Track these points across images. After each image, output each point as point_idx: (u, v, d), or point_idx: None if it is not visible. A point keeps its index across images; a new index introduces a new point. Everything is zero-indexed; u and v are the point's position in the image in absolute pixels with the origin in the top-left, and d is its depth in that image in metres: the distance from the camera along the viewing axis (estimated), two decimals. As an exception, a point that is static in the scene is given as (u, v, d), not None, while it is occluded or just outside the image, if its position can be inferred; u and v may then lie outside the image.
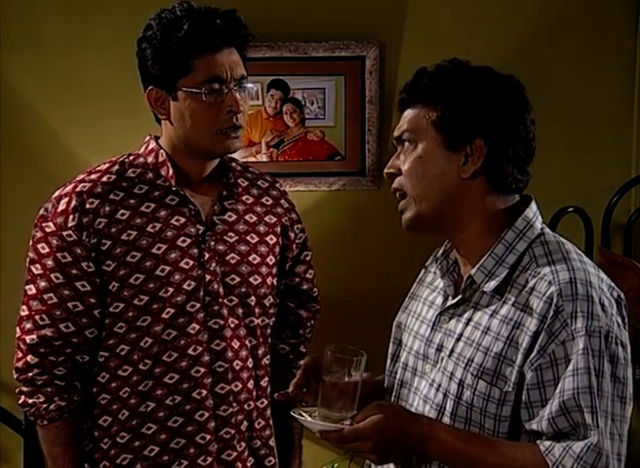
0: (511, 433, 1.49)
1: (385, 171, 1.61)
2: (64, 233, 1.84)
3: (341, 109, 2.72)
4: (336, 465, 2.66)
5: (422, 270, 1.76)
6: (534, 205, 1.59)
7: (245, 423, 1.95)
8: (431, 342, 1.60)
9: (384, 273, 2.74)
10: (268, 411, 2.02)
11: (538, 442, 1.46)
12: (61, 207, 1.85)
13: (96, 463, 1.92)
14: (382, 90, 2.70)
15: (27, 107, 2.68)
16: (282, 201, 2.04)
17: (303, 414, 1.58)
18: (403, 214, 1.59)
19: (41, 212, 1.89)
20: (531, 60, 2.71)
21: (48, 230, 1.86)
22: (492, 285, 1.52)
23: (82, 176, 1.90)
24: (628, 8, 2.75)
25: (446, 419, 1.53)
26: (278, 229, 2.00)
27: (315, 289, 2.13)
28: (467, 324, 1.54)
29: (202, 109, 1.83)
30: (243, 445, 1.96)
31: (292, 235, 2.04)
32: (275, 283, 2.00)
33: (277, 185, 2.07)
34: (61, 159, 2.66)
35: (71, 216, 1.84)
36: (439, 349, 1.58)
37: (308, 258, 2.10)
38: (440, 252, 1.67)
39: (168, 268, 1.86)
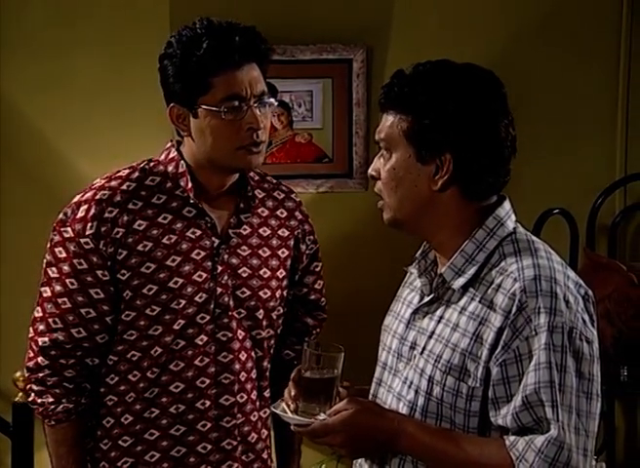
0: (481, 428, 1.51)
1: (369, 171, 1.63)
2: (82, 240, 1.84)
3: (329, 112, 2.74)
4: (323, 466, 2.68)
5: (407, 273, 1.77)
6: (506, 204, 1.59)
7: (253, 435, 1.96)
8: (405, 340, 1.61)
9: (372, 274, 2.75)
10: (269, 420, 2.04)
11: (504, 437, 1.47)
12: (81, 213, 1.85)
13: (96, 462, 1.94)
14: (370, 92, 2.72)
15: (14, 108, 2.69)
16: (296, 213, 2.04)
17: (286, 409, 1.61)
18: (382, 212, 1.62)
19: (60, 216, 1.89)
20: (516, 63, 2.73)
21: (66, 235, 1.86)
22: (460, 282, 1.54)
23: (102, 183, 1.89)
24: (612, 12, 2.78)
25: (417, 415, 1.54)
26: (291, 243, 2.01)
27: (323, 299, 2.13)
28: (439, 321, 1.56)
29: (222, 127, 1.82)
30: (252, 456, 1.97)
31: (303, 247, 2.04)
32: (285, 294, 2.01)
33: (293, 196, 2.06)
34: (49, 159, 2.67)
35: (89, 224, 1.84)
36: (412, 347, 1.59)
37: (318, 269, 2.10)
38: (419, 252, 1.69)
39: (181, 280, 1.86)
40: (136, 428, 1.90)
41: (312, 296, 2.10)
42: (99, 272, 1.85)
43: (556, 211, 2.69)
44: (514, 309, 1.46)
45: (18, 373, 2.49)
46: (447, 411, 1.52)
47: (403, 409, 1.57)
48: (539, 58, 2.78)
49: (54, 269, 1.87)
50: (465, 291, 1.54)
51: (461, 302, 1.54)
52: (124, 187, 1.87)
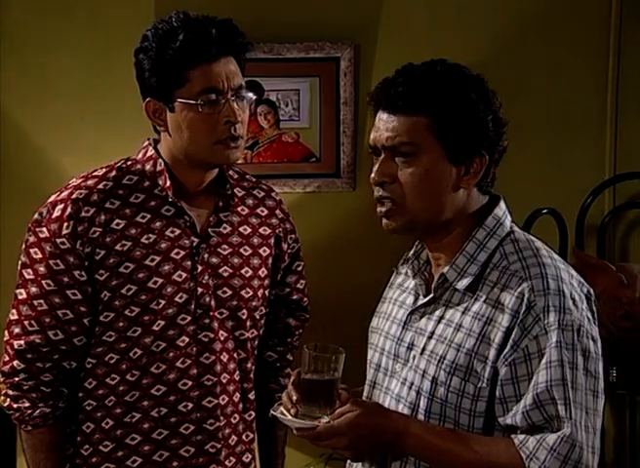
0: (486, 428, 1.50)
1: (377, 178, 1.56)
2: (58, 240, 1.81)
3: (316, 111, 2.72)
4: (311, 468, 2.66)
5: (393, 273, 1.76)
6: (502, 204, 1.60)
7: (233, 437, 1.93)
8: (402, 341, 1.60)
9: (360, 274, 2.73)
10: (254, 424, 2.01)
11: (512, 436, 1.46)
12: (56, 213, 1.82)
13: None
14: (357, 91, 2.70)
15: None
16: (277, 211, 2.01)
17: (284, 413, 1.58)
18: (387, 218, 1.57)
19: (35, 216, 1.85)
20: (505, 62, 2.73)
21: (42, 236, 1.82)
22: (464, 282, 1.53)
23: (78, 182, 1.86)
24: (601, 12, 2.77)
25: (420, 417, 1.53)
26: (272, 241, 1.98)
27: (305, 299, 2.11)
28: (439, 322, 1.55)
29: (199, 120, 1.80)
30: (233, 460, 1.94)
31: (284, 246, 2.01)
32: (267, 294, 1.99)
33: (273, 194, 2.03)
34: (32, 158, 2.65)
35: (66, 224, 1.81)
36: (410, 348, 1.58)
37: (300, 269, 2.08)
38: (411, 252, 1.67)
39: (160, 280, 1.83)
40: (116, 433, 1.86)
41: (294, 296, 2.08)
42: (75, 272, 1.82)
43: (545, 211, 2.68)
44: (523, 308, 1.46)
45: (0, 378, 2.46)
46: (450, 412, 1.51)
47: (404, 411, 1.55)
48: (527, 58, 2.78)
49: (29, 270, 1.83)
50: (468, 291, 1.53)
51: (464, 302, 1.53)
52: (100, 186, 1.84)
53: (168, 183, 1.85)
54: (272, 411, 1.61)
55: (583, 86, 2.79)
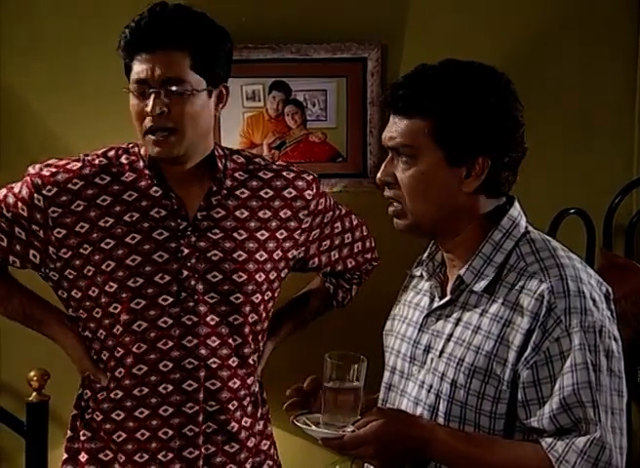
0: (507, 430, 1.50)
1: (380, 178, 1.57)
2: (35, 195, 1.89)
3: (343, 111, 2.72)
4: (337, 467, 2.66)
5: (407, 276, 1.76)
6: (517, 204, 1.60)
7: (233, 424, 1.93)
8: (418, 344, 1.60)
9: (388, 274, 2.72)
10: (258, 413, 2.02)
11: (539, 439, 1.46)
12: (46, 173, 1.90)
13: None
14: (384, 91, 2.70)
15: (26, 107, 2.70)
16: (286, 191, 1.99)
17: (307, 422, 1.57)
18: (397, 218, 1.59)
19: (41, 164, 1.93)
20: (532, 60, 2.71)
21: (29, 180, 1.92)
22: (482, 284, 1.53)
23: (81, 156, 1.95)
24: (631, 8, 2.75)
25: (440, 420, 1.53)
26: (273, 224, 1.97)
27: (364, 266, 2.22)
28: (457, 324, 1.55)
29: (135, 110, 1.86)
30: (235, 446, 1.94)
31: (292, 224, 1.99)
32: (272, 277, 1.97)
33: (285, 173, 2.00)
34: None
35: (49, 187, 1.89)
36: (427, 350, 1.58)
37: (343, 241, 2.14)
38: (425, 254, 1.67)
39: (139, 259, 1.87)
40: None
41: (350, 266, 2.18)
42: (26, 225, 1.90)
43: (572, 211, 2.66)
44: (543, 310, 1.46)
45: (32, 373, 2.50)
46: (470, 415, 1.51)
47: (423, 414, 1.55)
48: (555, 57, 2.76)
49: (4, 190, 1.94)
50: (485, 292, 1.53)
51: (481, 304, 1.53)
52: (96, 162, 1.92)
53: (141, 164, 1.91)
54: (295, 421, 1.60)
55: (612, 85, 2.77)
